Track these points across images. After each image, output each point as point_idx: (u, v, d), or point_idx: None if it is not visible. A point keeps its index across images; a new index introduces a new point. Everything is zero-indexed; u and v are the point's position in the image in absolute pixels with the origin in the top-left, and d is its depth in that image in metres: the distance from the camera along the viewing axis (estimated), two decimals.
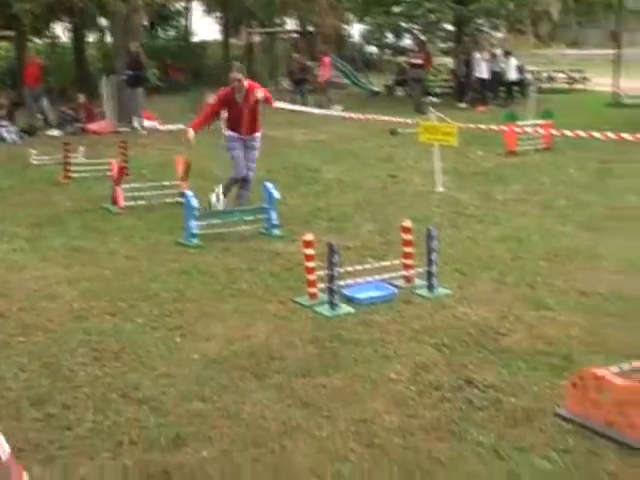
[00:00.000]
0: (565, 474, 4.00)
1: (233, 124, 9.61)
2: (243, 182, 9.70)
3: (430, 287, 6.83)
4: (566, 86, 30.28)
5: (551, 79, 30.63)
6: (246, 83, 9.53)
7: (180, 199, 9.69)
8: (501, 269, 7.56)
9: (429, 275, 6.84)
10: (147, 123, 19.24)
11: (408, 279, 6.99)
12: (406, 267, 7.01)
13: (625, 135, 9.65)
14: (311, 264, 6.65)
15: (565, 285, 7.04)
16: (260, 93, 9.47)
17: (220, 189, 9.53)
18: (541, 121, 15.09)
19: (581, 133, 10.32)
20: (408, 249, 7.03)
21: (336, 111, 19.72)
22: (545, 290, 6.92)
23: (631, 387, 4.29)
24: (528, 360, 5.42)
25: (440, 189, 11.24)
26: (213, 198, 9.47)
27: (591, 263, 7.76)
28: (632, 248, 8.10)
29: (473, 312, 6.38)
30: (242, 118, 9.51)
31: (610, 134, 9.76)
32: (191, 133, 9.44)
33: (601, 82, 28.20)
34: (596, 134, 9.88)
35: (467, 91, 24.87)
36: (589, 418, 4.45)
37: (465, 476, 4.00)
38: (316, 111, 19.19)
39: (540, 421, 4.56)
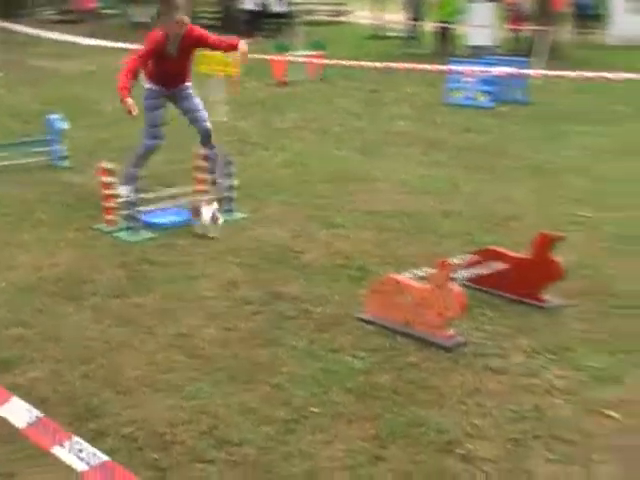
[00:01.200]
0: (374, 368, 4.44)
1: (158, 77, 7.40)
2: (204, 137, 7.61)
3: (228, 211, 7.09)
4: (329, 18, 31.09)
5: (313, 12, 31.32)
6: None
7: None
8: (289, 192, 7.96)
9: (228, 200, 7.11)
10: None
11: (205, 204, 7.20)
12: (200, 193, 7.17)
13: (392, 65, 10.23)
14: (109, 192, 6.73)
15: (350, 205, 7.55)
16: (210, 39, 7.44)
17: (211, 210, 6.64)
18: (312, 52, 15.58)
19: (352, 63, 10.79)
20: (202, 176, 7.24)
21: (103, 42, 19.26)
22: (332, 210, 7.39)
23: (426, 290, 4.80)
24: (328, 273, 5.85)
25: (224, 119, 11.45)
26: (206, 217, 6.66)
27: (370, 185, 8.34)
28: (404, 170, 8.79)
29: (270, 233, 6.74)
30: (172, 70, 7.41)
31: (378, 64, 10.32)
32: (130, 101, 6.80)
33: (362, 15, 29.21)
34: (367, 64, 10.39)
35: (234, 23, 25.03)
36: (389, 319, 4.93)
37: (287, 375, 4.35)
38: (82, 41, 18.65)
39: (346, 325, 4.99)
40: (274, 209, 7.43)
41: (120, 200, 6.77)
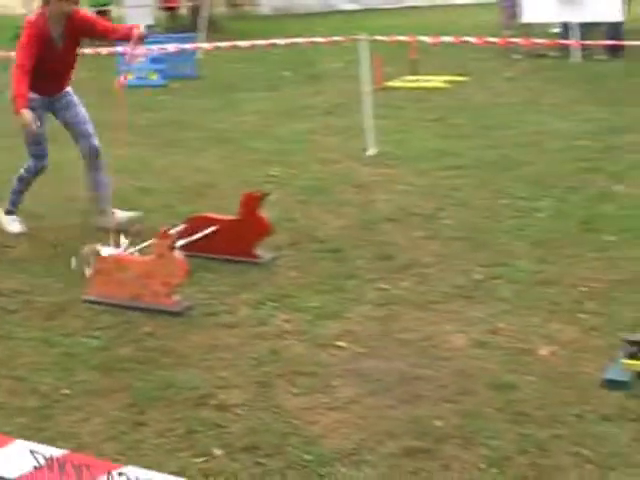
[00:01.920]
0: (113, 344, 4.55)
1: (38, 79, 5.84)
2: (92, 157, 6.32)
3: None
4: None
5: None
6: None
7: None
8: None
9: None
10: None
11: None
12: None
13: None
14: None
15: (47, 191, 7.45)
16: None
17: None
18: None
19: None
20: None
21: None
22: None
23: (149, 261, 4.97)
24: (42, 263, 5.80)
25: None
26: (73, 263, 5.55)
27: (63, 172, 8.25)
28: None
29: None
30: (57, 69, 6.08)
31: None
32: (28, 115, 5.71)
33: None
34: None
35: None
36: (116, 297, 5.03)
37: (27, 366, 4.34)
38: None
39: (74, 310, 5.03)
40: None
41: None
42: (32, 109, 5.80)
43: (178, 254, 4.90)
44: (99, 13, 21.10)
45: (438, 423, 3.61)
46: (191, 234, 5.55)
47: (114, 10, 21.44)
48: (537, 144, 8.48)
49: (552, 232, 5.98)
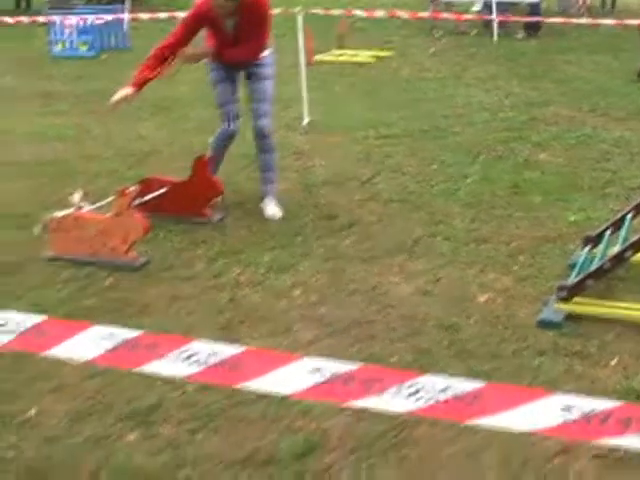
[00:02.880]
0: (78, 295, 4.77)
1: (218, 51, 5.91)
2: (259, 138, 6.07)
3: None
4: None
5: None
6: None
7: None
8: None
9: None
10: None
11: None
12: None
13: None
14: None
15: None
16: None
17: None
18: None
19: None
20: None
21: None
22: None
23: (108, 219, 5.19)
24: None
25: None
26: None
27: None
28: (28, 123, 8.89)
29: None
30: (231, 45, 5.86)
31: None
32: (121, 94, 5.60)
33: None
34: None
35: None
36: (76, 253, 5.25)
37: None
38: None
39: (33, 267, 5.20)
40: None
41: None
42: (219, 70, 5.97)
43: (138, 212, 5.14)
44: None
45: (393, 359, 3.97)
46: (144, 195, 5.78)
47: None
48: (464, 116, 8.90)
49: (482, 195, 6.39)
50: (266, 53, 6.01)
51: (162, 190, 5.87)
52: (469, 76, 11.26)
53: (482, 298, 4.64)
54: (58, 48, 13.77)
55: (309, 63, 10.36)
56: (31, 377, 3.92)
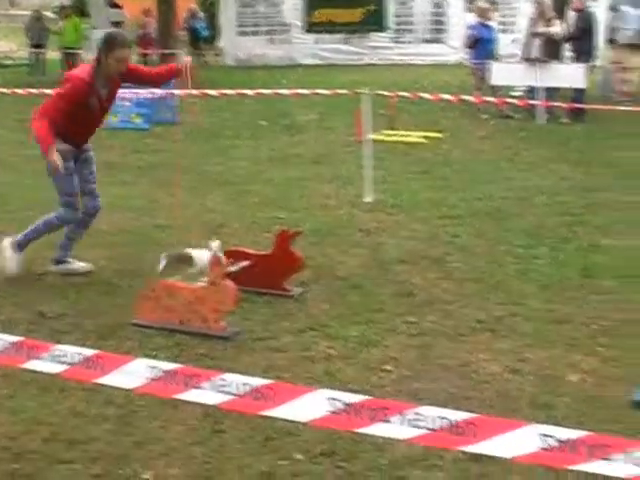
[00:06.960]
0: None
1: (72, 129, 6.15)
2: (92, 216, 6.57)
3: None
4: None
5: None
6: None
7: None
8: None
9: None
10: None
11: None
12: None
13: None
14: None
15: None
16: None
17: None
18: None
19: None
20: None
21: None
22: None
23: (200, 288, 5.34)
24: (84, 290, 6.11)
25: None
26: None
27: None
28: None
29: None
30: (95, 118, 6.32)
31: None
32: (55, 155, 5.87)
33: None
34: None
35: None
36: (165, 321, 5.38)
37: None
38: None
39: (124, 332, 5.36)
40: None
41: None
42: (66, 160, 6.00)
43: (230, 283, 5.28)
44: (68, 55, 21.55)
45: None
46: (230, 265, 5.92)
47: (83, 54, 21.78)
48: (524, 199, 9.04)
49: (554, 276, 6.49)
50: None
51: (246, 263, 6.02)
52: (521, 159, 11.44)
53: (573, 378, 4.71)
54: (112, 120, 14.10)
55: (358, 141, 10.58)
56: (139, 441, 4.03)
